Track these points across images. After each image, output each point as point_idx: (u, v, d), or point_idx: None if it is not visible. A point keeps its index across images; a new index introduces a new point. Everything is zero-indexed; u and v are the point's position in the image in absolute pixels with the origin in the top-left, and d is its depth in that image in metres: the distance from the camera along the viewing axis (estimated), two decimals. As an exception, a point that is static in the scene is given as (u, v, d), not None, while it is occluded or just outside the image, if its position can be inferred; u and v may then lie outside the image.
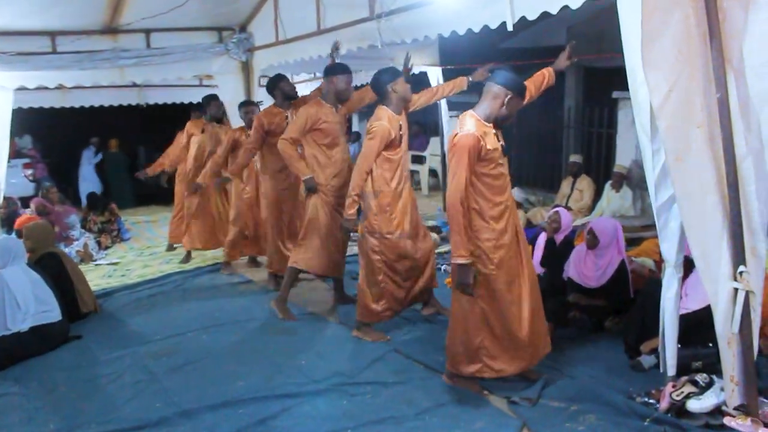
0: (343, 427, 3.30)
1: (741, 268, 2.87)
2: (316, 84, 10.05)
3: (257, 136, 5.52)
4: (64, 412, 3.61)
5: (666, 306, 3.26)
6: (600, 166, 8.87)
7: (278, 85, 5.56)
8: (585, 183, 8.14)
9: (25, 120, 9.79)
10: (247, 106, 6.30)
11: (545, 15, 3.64)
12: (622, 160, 8.02)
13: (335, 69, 4.85)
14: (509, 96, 3.36)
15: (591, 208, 7.96)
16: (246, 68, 7.28)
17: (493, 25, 3.91)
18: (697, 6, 2.74)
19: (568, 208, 7.45)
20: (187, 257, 7.14)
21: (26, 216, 7.06)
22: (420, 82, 8.73)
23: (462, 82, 4.71)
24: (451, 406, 3.49)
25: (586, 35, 9.47)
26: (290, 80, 6.05)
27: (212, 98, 7.00)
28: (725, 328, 2.96)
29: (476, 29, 4.09)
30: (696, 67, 2.80)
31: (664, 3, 2.76)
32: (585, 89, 10.56)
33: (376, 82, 4.31)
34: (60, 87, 6.94)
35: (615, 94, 7.98)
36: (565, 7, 3.46)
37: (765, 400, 3.08)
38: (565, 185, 8.33)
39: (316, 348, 4.37)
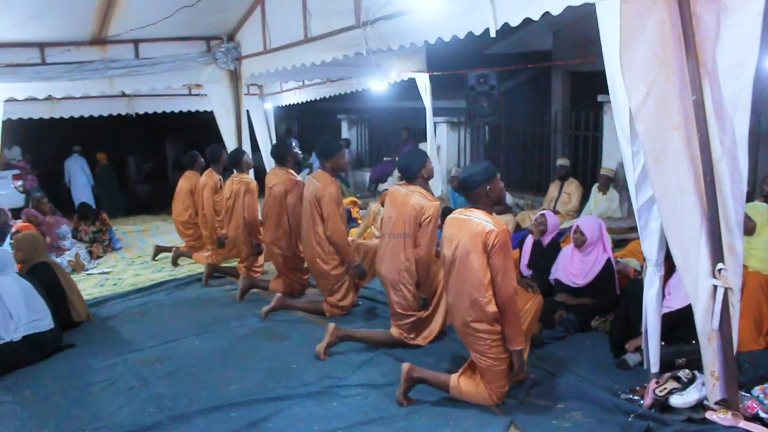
0: (333, 427, 3.35)
1: (719, 265, 2.94)
2: (305, 91, 10.22)
3: None
4: (58, 419, 3.64)
5: (648, 304, 3.33)
6: (587, 169, 8.97)
7: (291, 152, 5.82)
8: (573, 186, 8.24)
9: (14, 131, 9.80)
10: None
11: (528, 21, 3.72)
12: (609, 162, 8.11)
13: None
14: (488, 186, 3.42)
15: (579, 211, 8.05)
16: (234, 77, 7.35)
17: (477, 32, 3.99)
18: (672, 11, 2.83)
19: (556, 212, 7.56)
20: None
21: (25, 224, 7.07)
22: (410, 87, 8.86)
23: None
24: (440, 405, 3.54)
25: (572, 40, 9.60)
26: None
27: (220, 150, 7.04)
28: (705, 324, 3.03)
29: (461, 36, 4.16)
30: (672, 69, 2.88)
31: (639, 7, 2.85)
32: (571, 93, 10.70)
33: (408, 166, 4.35)
34: (49, 98, 6.97)
35: (600, 98, 8.07)
36: (547, 13, 3.53)
37: (745, 394, 3.16)
38: (553, 188, 8.42)
39: (307, 352, 4.41)
